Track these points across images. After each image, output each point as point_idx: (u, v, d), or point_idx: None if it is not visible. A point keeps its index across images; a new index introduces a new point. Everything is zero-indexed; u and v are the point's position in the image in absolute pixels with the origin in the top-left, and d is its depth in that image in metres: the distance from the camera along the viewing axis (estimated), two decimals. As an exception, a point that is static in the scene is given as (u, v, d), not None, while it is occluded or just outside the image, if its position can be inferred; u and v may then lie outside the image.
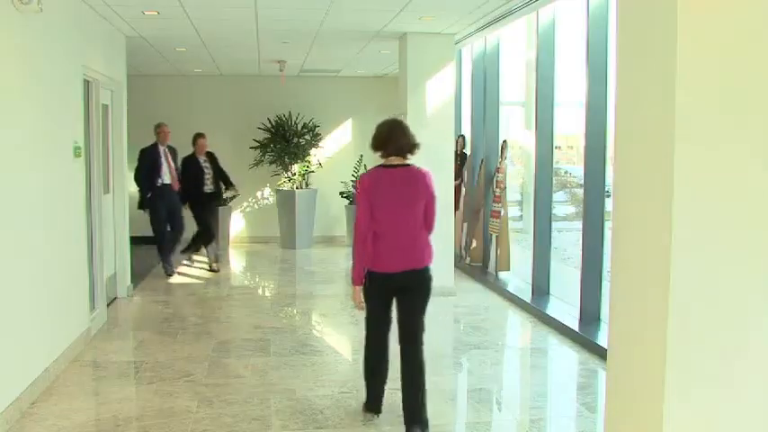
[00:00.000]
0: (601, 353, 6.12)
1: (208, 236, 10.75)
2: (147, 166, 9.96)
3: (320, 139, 13.56)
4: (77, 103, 6.86)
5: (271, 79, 13.15)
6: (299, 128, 13.39)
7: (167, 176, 10.07)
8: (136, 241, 9.92)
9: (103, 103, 8.07)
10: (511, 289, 8.97)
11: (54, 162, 6.07)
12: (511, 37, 10.16)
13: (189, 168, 10.48)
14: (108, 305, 8.05)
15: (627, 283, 3.20)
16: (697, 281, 2.83)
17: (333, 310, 8.33)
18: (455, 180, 9.76)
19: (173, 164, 10.12)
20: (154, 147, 10.04)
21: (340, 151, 13.82)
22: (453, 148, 9.44)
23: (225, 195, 11.52)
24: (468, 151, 11.12)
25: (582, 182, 7.52)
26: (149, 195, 9.99)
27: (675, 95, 2.76)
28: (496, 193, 9.71)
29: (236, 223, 13.79)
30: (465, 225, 10.90)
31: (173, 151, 10.26)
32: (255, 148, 13.05)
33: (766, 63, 2.80)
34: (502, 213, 9.55)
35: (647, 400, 2.98)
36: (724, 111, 2.79)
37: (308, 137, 13.39)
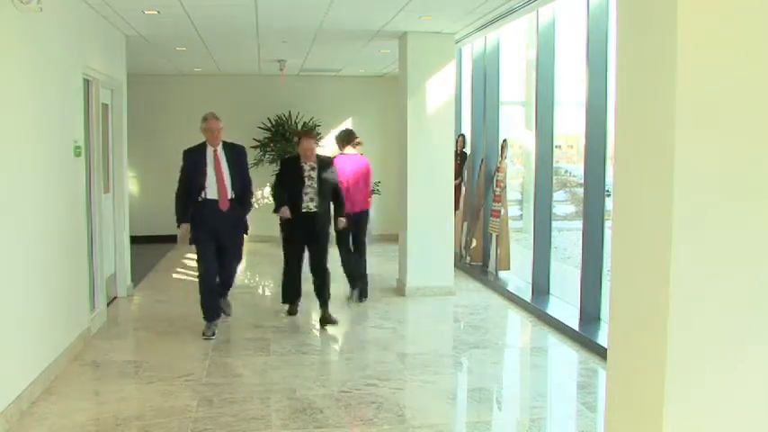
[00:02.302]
0: (601, 352, 6.12)
1: (291, 277, 7.87)
2: (187, 176, 7.10)
3: (320, 138, 13.55)
4: (77, 102, 6.86)
5: (271, 78, 13.16)
6: (300, 127, 13.40)
7: (212, 190, 7.01)
8: (135, 241, 9.92)
9: (103, 102, 8.07)
10: (511, 288, 8.97)
11: (54, 161, 6.06)
12: (511, 36, 10.16)
13: (283, 176, 7.65)
14: (108, 304, 8.05)
15: (627, 283, 3.20)
16: (697, 280, 2.83)
17: (333, 309, 8.33)
18: (455, 179, 9.76)
19: (226, 171, 7.03)
20: (199, 148, 7.11)
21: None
22: (453, 148, 9.44)
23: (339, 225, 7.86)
24: (468, 150, 11.12)
25: (582, 181, 7.52)
26: (189, 215, 7.07)
27: (676, 94, 2.75)
28: (496, 193, 9.71)
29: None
30: (465, 224, 10.90)
31: (233, 152, 7.21)
32: (255, 147, 13.06)
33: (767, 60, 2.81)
34: (502, 213, 9.55)
35: (647, 399, 2.98)
36: (725, 110, 2.79)
37: (308, 136, 13.41)
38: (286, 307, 8.07)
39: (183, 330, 7.38)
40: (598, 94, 7.07)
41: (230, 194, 7.00)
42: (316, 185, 7.42)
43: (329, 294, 7.63)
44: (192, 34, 8.97)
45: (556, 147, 8.82)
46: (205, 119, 7.09)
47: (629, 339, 3.18)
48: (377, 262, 11.00)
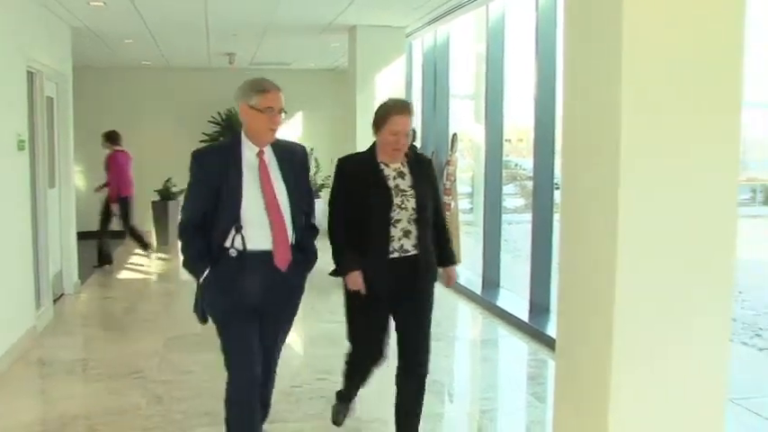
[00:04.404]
0: (550, 343, 6.19)
1: (362, 365, 4.49)
2: (200, 201, 3.68)
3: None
4: (20, 95, 6.71)
5: (221, 72, 13.03)
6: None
7: (257, 230, 3.61)
8: (83, 237, 9.74)
9: (48, 95, 7.92)
10: (461, 281, 8.99)
11: (-4, 156, 5.94)
12: (461, 31, 10.21)
13: (347, 193, 4.07)
14: (54, 302, 7.90)
15: (574, 274, 3.25)
16: (642, 271, 2.88)
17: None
18: (406, 173, 9.75)
19: (283, 194, 3.69)
20: (226, 148, 3.88)
21: (291, 144, 13.76)
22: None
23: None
24: (418, 144, 11.13)
25: (532, 174, 7.59)
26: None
27: (621, 90, 2.80)
28: (447, 186, 9.74)
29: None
30: (416, 218, 10.90)
31: (291, 158, 3.83)
32: (206, 141, 12.92)
33: (713, 56, 2.87)
34: (452, 206, 9.59)
35: (594, 389, 3.03)
36: (669, 103, 2.85)
37: (258, 130, 13.32)
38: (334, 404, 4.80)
39: (132, 327, 7.30)
40: (547, 88, 7.13)
41: (291, 239, 3.73)
42: (412, 205, 4.00)
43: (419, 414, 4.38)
44: (140, 27, 8.84)
45: (506, 140, 8.89)
46: (261, 89, 3.90)
47: (576, 330, 3.23)
48: (326, 255, 10.98)
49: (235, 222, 3.57)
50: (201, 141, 12.83)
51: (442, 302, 8.30)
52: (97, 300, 8.68)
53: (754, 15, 3.01)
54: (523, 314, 7.25)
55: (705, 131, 2.88)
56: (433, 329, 4.83)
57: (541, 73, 7.15)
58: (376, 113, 4.05)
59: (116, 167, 10.18)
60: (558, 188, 7.10)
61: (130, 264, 10.89)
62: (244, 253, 3.59)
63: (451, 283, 4.41)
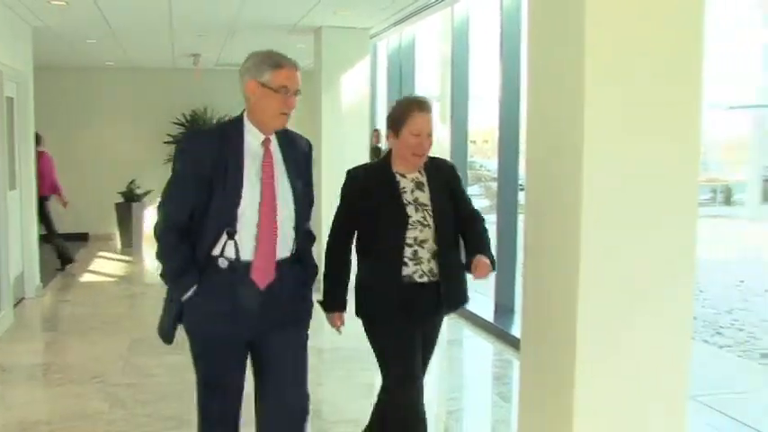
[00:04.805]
0: (515, 344, 6.22)
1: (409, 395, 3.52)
2: (185, 196, 3.01)
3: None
4: (-21, 96, 6.61)
5: (186, 73, 12.93)
6: (215, 122, 13.20)
7: (250, 235, 2.99)
8: (45, 239, 9.62)
9: (8, 95, 7.80)
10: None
11: (-45, 158, 5.83)
12: (427, 32, 10.25)
13: (350, 207, 3.65)
14: (15, 306, 7.77)
15: (538, 275, 3.27)
16: (604, 270, 2.91)
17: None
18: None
19: (288, 192, 3.10)
20: (223, 132, 3.09)
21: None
22: (368, 143, 9.46)
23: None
24: (383, 145, 11.15)
25: (496, 175, 7.63)
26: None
27: (585, 93, 2.83)
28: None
29: (152, 219, 13.54)
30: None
31: (296, 150, 3.20)
32: (170, 143, 12.81)
33: (673, 51, 2.91)
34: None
35: (557, 387, 3.05)
36: (631, 103, 2.88)
37: (223, 131, 13.23)
38: None
39: (95, 331, 7.20)
40: (511, 89, 7.17)
41: (285, 251, 3.12)
42: (431, 222, 3.46)
43: None
44: (103, 26, 8.74)
45: (471, 142, 8.93)
46: (276, 64, 3.20)
47: (540, 330, 3.25)
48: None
49: (228, 225, 2.93)
50: (165, 143, 12.72)
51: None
52: (59, 303, 8.56)
53: (710, 22, 3.06)
54: (488, 315, 7.28)
55: (667, 123, 2.92)
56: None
57: (506, 74, 7.19)
58: (392, 114, 3.52)
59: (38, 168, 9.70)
60: (522, 189, 7.16)
61: (93, 267, 10.75)
62: (237, 263, 2.96)
63: (481, 273, 3.44)
